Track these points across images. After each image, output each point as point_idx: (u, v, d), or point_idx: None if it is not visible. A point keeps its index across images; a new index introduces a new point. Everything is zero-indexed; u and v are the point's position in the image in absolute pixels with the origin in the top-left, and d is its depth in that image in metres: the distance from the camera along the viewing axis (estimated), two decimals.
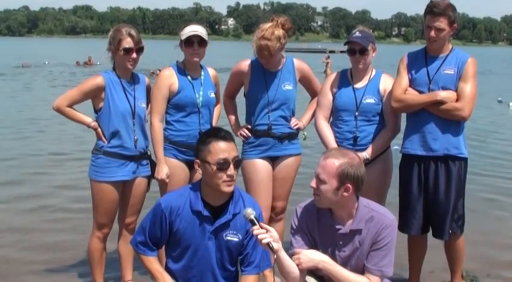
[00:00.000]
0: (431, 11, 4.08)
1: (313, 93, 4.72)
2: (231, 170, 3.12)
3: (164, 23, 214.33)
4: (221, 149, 3.13)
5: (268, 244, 2.93)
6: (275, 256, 3.01)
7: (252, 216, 2.99)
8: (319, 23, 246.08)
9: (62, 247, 5.58)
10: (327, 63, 30.92)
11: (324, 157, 3.13)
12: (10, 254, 5.42)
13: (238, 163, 3.18)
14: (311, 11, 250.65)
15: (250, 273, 3.29)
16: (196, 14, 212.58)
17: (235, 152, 3.17)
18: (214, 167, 3.12)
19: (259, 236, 2.93)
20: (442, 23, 4.07)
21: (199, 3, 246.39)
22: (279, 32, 4.27)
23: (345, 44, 4.34)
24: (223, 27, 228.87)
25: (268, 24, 4.30)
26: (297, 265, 3.12)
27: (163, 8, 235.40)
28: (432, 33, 4.10)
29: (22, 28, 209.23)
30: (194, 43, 4.29)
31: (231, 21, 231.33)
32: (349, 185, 3.06)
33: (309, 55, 39.34)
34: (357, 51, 4.26)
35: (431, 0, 4.14)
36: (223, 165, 3.11)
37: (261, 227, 2.96)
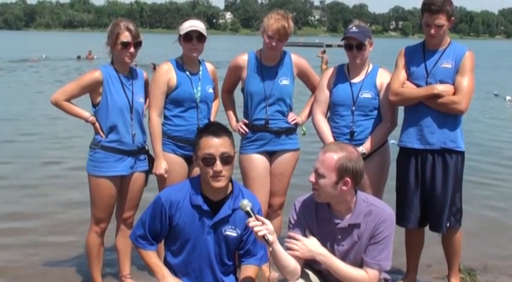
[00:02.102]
0: (430, 8, 4.05)
1: (313, 88, 4.70)
2: (217, 166, 3.10)
3: (162, 17, 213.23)
4: (208, 144, 3.12)
5: (263, 236, 2.95)
6: (270, 249, 3.02)
7: (248, 208, 3.00)
8: (317, 17, 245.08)
9: (60, 243, 5.58)
10: (322, 58, 30.64)
11: (323, 151, 3.14)
12: (9, 250, 5.42)
13: (226, 160, 3.13)
14: (308, 5, 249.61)
15: (251, 263, 3.31)
16: (194, 8, 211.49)
17: (224, 148, 3.13)
18: (201, 162, 3.14)
19: (255, 228, 2.95)
20: (442, 20, 4.06)
21: None
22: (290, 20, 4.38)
23: (342, 40, 4.34)
24: (220, 21, 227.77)
25: (277, 12, 4.37)
26: (292, 249, 3.14)
27: (160, 2, 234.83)
28: (432, 31, 4.08)
29: (19, 21, 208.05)
30: (193, 38, 4.28)
31: (228, 15, 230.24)
32: (348, 179, 3.07)
33: (306, 49, 39.17)
34: (354, 46, 4.26)
35: None
36: (208, 161, 3.11)
37: (257, 219, 2.98)
